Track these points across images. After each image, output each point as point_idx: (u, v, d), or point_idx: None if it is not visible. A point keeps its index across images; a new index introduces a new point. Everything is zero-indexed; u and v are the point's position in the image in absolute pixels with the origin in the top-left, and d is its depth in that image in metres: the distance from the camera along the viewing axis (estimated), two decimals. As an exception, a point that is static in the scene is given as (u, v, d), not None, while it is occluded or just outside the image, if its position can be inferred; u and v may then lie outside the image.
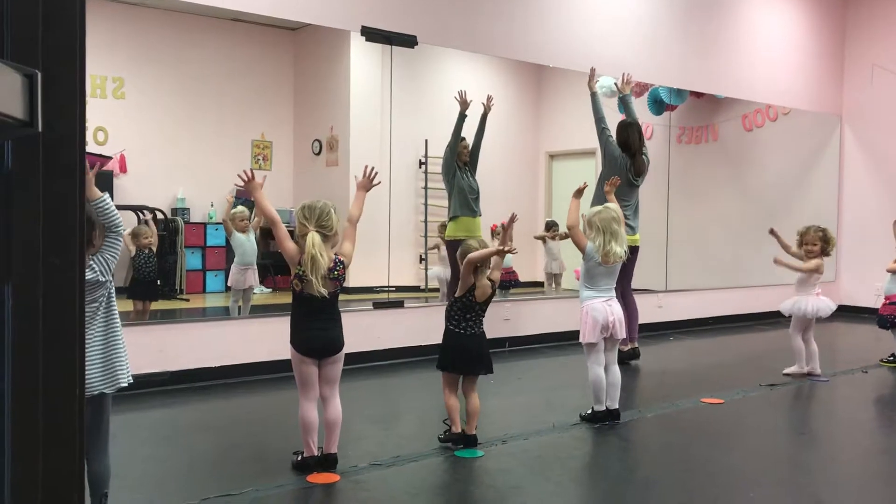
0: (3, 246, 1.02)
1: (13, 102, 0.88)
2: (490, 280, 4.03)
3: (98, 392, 2.78)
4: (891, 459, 4.20)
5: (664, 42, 8.29)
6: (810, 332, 6.02)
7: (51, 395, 1.10)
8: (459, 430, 3.98)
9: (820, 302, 5.91)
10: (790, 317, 6.02)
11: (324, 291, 3.49)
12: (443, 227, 7.44)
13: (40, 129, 0.95)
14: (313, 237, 3.47)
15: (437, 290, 8.11)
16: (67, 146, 1.07)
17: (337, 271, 3.56)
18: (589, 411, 4.56)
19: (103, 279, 2.78)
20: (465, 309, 3.99)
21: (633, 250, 6.38)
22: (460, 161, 6.81)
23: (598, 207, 4.64)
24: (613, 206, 4.69)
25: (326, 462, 3.61)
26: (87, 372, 2.66)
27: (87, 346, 2.71)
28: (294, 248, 3.57)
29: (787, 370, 6.04)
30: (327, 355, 3.63)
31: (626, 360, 6.28)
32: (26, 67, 0.92)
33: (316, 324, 3.60)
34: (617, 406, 4.59)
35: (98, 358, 2.79)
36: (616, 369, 4.62)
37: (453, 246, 7.03)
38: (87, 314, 2.73)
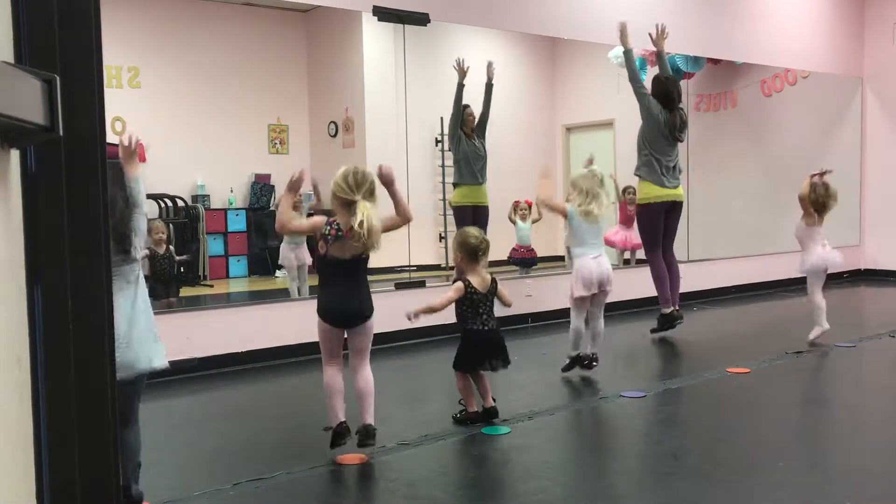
0: (31, 249, 1.04)
1: (34, 108, 0.89)
2: (497, 293, 4.07)
3: (147, 367, 2.85)
4: (920, 424, 4.17)
5: (680, 9, 8.17)
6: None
7: (83, 393, 1.12)
8: (475, 410, 3.99)
9: (826, 253, 5.86)
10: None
11: (375, 246, 3.46)
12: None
13: (61, 134, 0.96)
14: (365, 207, 3.40)
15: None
16: (88, 148, 1.08)
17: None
18: (567, 361, 4.91)
19: (141, 255, 2.94)
20: (474, 304, 4.00)
21: (677, 205, 6.37)
22: (467, 128, 6.90)
23: (584, 171, 4.92)
24: (598, 170, 4.92)
25: (365, 433, 3.53)
26: (137, 347, 2.76)
27: (135, 322, 2.82)
28: (311, 222, 3.61)
29: (811, 336, 5.90)
30: (351, 325, 3.57)
31: (672, 322, 6.27)
32: (45, 73, 0.92)
33: (338, 291, 3.53)
34: (596, 351, 4.91)
35: (146, 332, 2.87)
36: (602, 322, 4.95)
37: (459, 212, 7.10)
38: (134, 292, 2.86)
